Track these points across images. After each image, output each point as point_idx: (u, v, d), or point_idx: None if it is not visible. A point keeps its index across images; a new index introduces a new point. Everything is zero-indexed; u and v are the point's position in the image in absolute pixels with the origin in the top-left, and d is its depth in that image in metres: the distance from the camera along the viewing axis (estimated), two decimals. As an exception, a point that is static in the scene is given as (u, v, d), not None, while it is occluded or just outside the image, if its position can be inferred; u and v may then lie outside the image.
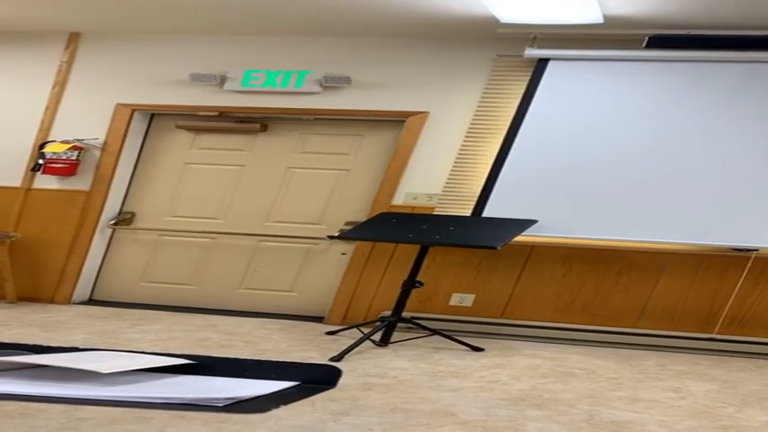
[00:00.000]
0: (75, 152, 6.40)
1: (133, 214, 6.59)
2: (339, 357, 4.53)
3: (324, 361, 4.44)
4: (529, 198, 5.49)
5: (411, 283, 5.15)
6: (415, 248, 5.25)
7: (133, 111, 6.50)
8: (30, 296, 6.34)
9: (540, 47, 5.76)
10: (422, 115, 6.05)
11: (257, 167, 6.44)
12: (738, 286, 5.42)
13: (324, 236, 6.13)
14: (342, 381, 3.94)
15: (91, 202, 6.42)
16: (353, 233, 5.56)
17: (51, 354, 4.15)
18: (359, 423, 3.11)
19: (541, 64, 5.78)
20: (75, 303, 6.39)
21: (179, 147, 6.60)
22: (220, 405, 3.31)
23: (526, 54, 5.78)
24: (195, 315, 6.04)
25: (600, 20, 5.35)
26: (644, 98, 5.59)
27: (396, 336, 5.13)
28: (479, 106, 5.93)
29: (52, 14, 6.17)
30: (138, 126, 6.58)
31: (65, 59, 6.61)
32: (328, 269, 6.21)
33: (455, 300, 5.83)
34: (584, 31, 5.60)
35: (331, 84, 6.16)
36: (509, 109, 5.79)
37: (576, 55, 5.75)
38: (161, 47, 6.51)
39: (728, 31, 5.46)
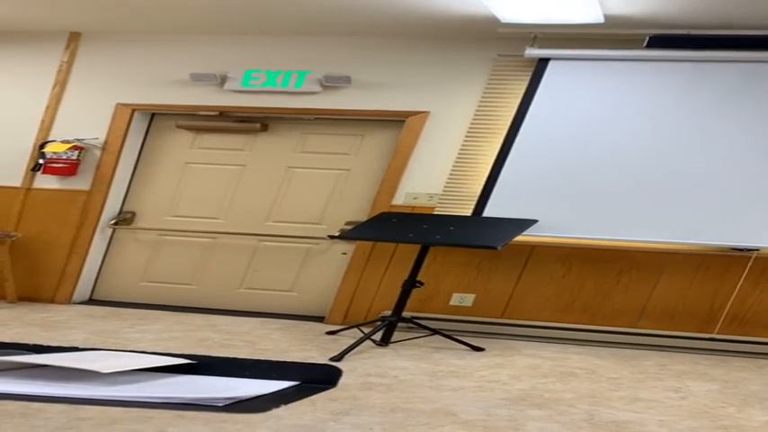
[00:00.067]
0: (76, 152, 6.40)
1: (133, 214, 6.59)
2: (339, 357, 4.53)
3: (324, 361, 4.44)
4: (529, 198, 5.49)
5: (411, 283, 5.15)
6: (416, 248, 5.25)
7: (133, 110, 6.50)
8: (30, 296, 6.34)
9: (540, 46, 5.76)
10: (422, 115, 6.05)
11: (258, 167, 6.45)
12: (739, 286, 5.42)
13: (324, 235, 6.14)
14: (342, 380, 3.94)
15: (91, 202, 6.42)
16: (354, 233, 5.56)
17: (51, 353, 4.15)
18: (359, 423, 3.11)
19: (542, 64, 5.78)
20: (75, 303, 6.39)
21: (179, 146, 6.60)
22: (220, 405, 3.30)
23: (527, 54, 5.78)
24: (195, 315, 6.04)
25: (600, 19, 5.35)
26: (644, 98, 5.59)
27: (396, 335, 5.13)
28: (480, 106, 5.93)
29: (52, 14, 6.17)
30: (138, 126, 6.58)
31: (65, 59, 6.61)
32: (329, 269, 6.21)
33: (455, 299, 5.83)
34: (584, 31, 5.60)
35: (331, 83, 6.16)
36: (509, 109, 5.79)
37: (577, 55, 5.75)
38: (161, 47, 6.51)
39: (729, 30, 5.46)
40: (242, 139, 6.51)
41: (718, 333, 5.42)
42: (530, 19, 5.45)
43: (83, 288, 6.46)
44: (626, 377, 4.36)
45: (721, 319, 5.43)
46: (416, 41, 6.13)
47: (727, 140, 5.39)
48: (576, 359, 4.85)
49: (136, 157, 6.63)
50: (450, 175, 5.89)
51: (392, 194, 5.99)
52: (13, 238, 6.30)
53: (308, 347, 4.91)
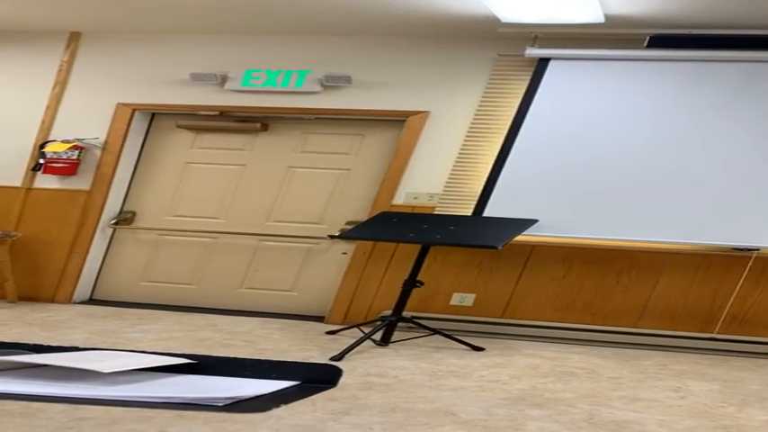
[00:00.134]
0: (76, 152, 6.40)
1: (134, 214, 6.59)
2: (339, 357, 4.53)
3: (324, 360, 4.44)
4: (529, 198, 5.49)
5: (412, 283, 5.15)
6: (416, 248, 5.25)
7: (134, 110, 6.51)
8: (30, 296, 6.34)
9: (540, 46, 5.76)
10: (422, 115, 6.05)
11: (258, 167, 6.45)
12: (739, 286, 5.42)
13: (324, 235, 6.14)
14: (342, 380, 3.94)
15: (91, 202, 6.42)
16: (354, 233, 5.56)
17: (52, 353, 4.15)
18: (359, 422, 3.11)
19: (542, 63, 5.78)
20: (75, 303, 6.39)
21: (180, 146, 6.60)
22: (221, 404, 3.30)
23: (527, 54, 5.78)
24: (196, 314, 6.04)
25: (601, 19, 5.35)
26: (645, 98, 5.59)
27: (396, 335, 5.13)
28: (480, 106, 5.93)
29: (53, 14, 6.17)
30: (138, 125, 6.58)
31: (65, 59, 6.62)
32: (329, 269, 6.21)
33: (456, 299, 5.83)
34: (585, 31, 5.60)
35: (332, 83, 6.16)
36: (510, 108, 5.79)
37: (577, 54, 5.75)
38: (162, 46, 6.51)
39: (729, 30, 5.46)
40: (242, 139, 6.51)
41: (718, 333, 5.42)
42: (530, 19, 5.45)
43: (83, 288, 6.46)
44: (626, 377, 4.36)
45: (721, 319, 5.43)
46: (417, 41, 6.13)
47: (727, 140, 5.39)
48: (576, 359, 4.85)
49: (136, 156, 6.63)
50: (451, 174, 5.89)
51: (392, 194, 5.99)
52: (14, 238, 6.30)
53: (309, 347, 4.91)
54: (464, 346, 5.04)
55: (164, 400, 3.36)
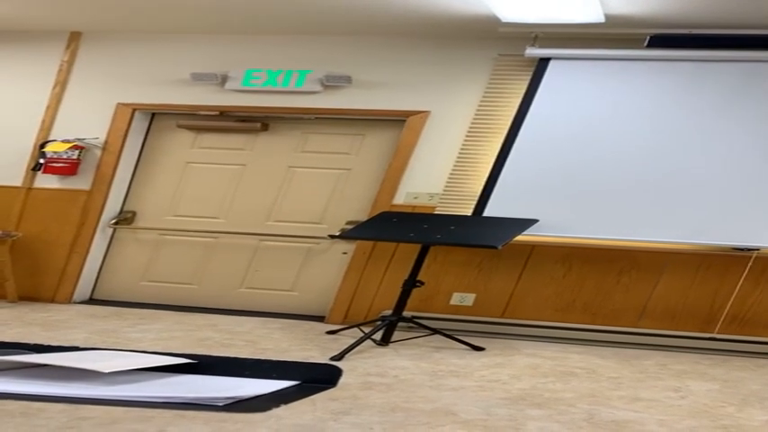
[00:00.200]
0: (76, 151, 6.40)
1: (134, 213, 6.59)
2: (340, 357, 4.53)
3: (324, 360, 4.45)
4: (530, 197, 5.49)
5: (412, 283, 5.15)
6: (416, 248, 5.25)
7: (134, 110, 6.51)
8: (30, 295, 6.34)
9: (541, 46, 5.76)
10: (423, 114, 6.05)
11: (258, 167, 6.45)
12: (739, 286, 5.42)
13: (325, 235, 6.14)
14: (342, 380, 3.94)
15: (92, 202, 6.42)
16: (354, 232, 5.56)
17: (52, 353, 4.15)
18: (359, 422, 3.11)
19: (542, 63, 5.78)
20: (75, 303, 6.39)
21: (180, 146, 6.61)
22: (221, 404, 3.30)
23: (527, 53, 5.78)
24: (196, 314, 6.04)
25: (601, 19, 5.35)
26: (645, 98, 5.59)
27: (396, 335, 5.13)
28: (480, 106, 5.93)
29: (53, 14, 6.18)
30: (138, 125, 6.58)
31: (66, 59, 6.62)
32: (329, 268, 6.21)
33: (456, 299, 5.83)
34: (585, 31, 5.60)
35: (332, 83, 6.16)
36: (510, 108, 5.79)
37: (578, 54, 5.75)
38: (162, 46, 6.51)
39: (730, 30, 5.46)
40: (243, 139, 6.51)
41: (718, 333, 5.42)
42: (530, 18, 5.45)
43: (83, 288, 6.46)
44: (626, 377, 4.36)
45: (721, 319, 5.43)
46: (417, 41, 6.13)
47: (727, 140, 5.39)
48: (576, 359, 4.85)
49: (136, 156, 6.63)
50: (451, 174, 5.89)
51: (393, 194, 5.99)
52: (14, 238, 6.31)
53: (309, 347, 4.91)
54: (464, 346, 5.04)
55: (164, 399, 3.36)
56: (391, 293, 5.61)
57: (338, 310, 6.00)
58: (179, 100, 6.44)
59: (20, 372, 3.79)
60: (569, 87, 5.71)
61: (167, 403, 3.30)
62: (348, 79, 6.15)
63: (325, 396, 3.56)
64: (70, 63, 6.61)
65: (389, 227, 5.33)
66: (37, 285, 6.38)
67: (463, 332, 5.46)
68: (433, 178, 5.94)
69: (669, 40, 5.55)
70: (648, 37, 5.57)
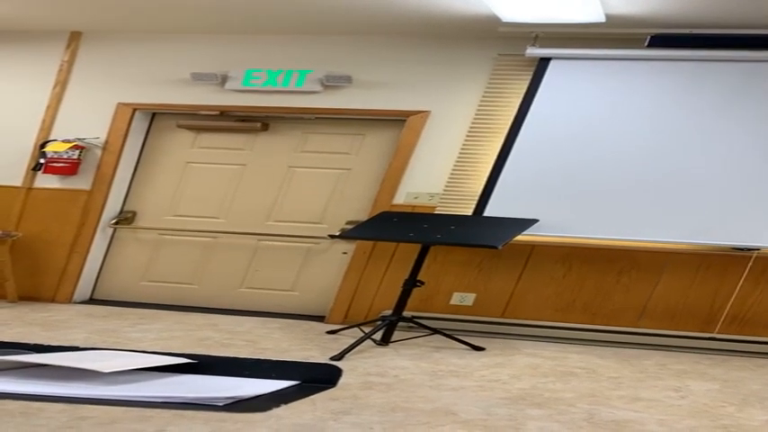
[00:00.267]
0: (77, 151, 6.40)
1: (134, 213, 6.59)
2: (340, 356, 4.53)
3: (324, 360, 4.45)
4: (530, 197, 5.49)
5: (412, 283, 5.15)
6: (416, 248, 5.25)
7: (134, 110, 6.51)
8: (31, 295, 6.34)
9: (541, 46, 5.76)
10: (423, 114, 6.05)
11: (258, 167, 6.45)
12: (739, 286, 5.42)
13: (325, 235, 6.14)
14: (342, 380, 3.94)
15: (92, 202, 6.42)
16: (354, 232, 5.56)
17: (52, 353, 4.15)
18: (359, 422, 3.11)
19: (543, 63, 5.78)
20: (75, 302, 6.39)
21: (180, 146, 6.61)
22: (221, 404, 3.31)
23: (528, 53, 5.78)
24: (196, 314, 6.04)
25: (602, 19, 5.35)
26: (645, 98, 5.59)
27: (396, 335, 5.13)
28: (480, 105, 5.93)
29: (53, 14, 6.18)
30: (139, 125, 6.58)
31: (66, 59, 6.62)
32: (329, 268, 6.21)
33: (456, 299, 5.83)
34: (585, 30, 5.60)
35: (332, 83, 6.16)
36: (510, 108, 5.79)
37: (578, 54, 5.75)
38: (162, 46, 6.51)
39: (730, 30, 5.46)
40: (243, 139, 6.51)
41: (718, 333, 5.42)
42: (531, 18, 5.45)
43: (83, 287, 6.46)
44: (626, 376, 4.36)
45: (721, 319, 5.43)
46: (417, 41, 6.13)
47: (727, 140, 5.39)
48: (576, 359, 4.85)
49: (137, 156, 6.63)
50: (451, 174, 5.89)
51: (393, 194, 5.99)
52: (14, 238, 6.31)
53: (309, 347, 4.91)
54: (464, 346, 5.04)
55: (164, 399, 3.36)
56: (391, 293, 5.61)
57: (338, 310, 6.00)
58: (179, 100, 6.44)
59: (20, 372, 3.79)
60: (570, 87, 5.71)
61: (167, 403, 3.30)
62: (348, 79, 6.15)
63: (325, 396, 3.56)
64: (70, 63, 6.62)
65: (389, 227, 5.33)
66: (37, 285, 6.38)
67: (463, 332, 5.46)
68: (434, 178, 5.94)
69: (669, 39, 5.55)
70: (649, 37, 5.57)
